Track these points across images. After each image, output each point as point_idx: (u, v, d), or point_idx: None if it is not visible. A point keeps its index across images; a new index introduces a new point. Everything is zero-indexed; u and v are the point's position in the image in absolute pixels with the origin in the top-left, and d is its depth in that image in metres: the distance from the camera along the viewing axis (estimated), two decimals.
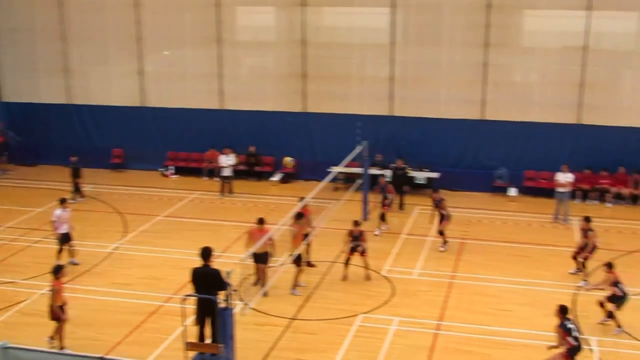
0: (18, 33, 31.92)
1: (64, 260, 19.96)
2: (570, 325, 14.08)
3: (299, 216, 19.05)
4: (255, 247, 17.43)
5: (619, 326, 16.40)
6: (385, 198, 23.74)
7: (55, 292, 15.53)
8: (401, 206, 26.14)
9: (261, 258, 18.36)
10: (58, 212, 20.42)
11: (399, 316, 17.55)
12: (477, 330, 16.92)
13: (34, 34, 31.82)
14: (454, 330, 16.95)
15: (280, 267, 18.73)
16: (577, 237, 23.21)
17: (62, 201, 20.83)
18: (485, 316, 17.67)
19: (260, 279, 18.70)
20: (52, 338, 15.76)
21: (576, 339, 14.03)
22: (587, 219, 20.12)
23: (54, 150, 31.73)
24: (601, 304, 16.76)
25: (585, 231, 19.94)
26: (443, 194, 23.30)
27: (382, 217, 23.82)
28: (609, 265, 16.87)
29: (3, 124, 32.29)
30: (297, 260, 18.64)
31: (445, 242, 22.20)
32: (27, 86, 32.45)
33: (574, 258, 20.12)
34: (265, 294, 18.22)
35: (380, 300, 18.47)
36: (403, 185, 26.65)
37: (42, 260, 20.57)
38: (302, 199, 20.19)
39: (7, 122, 32.51)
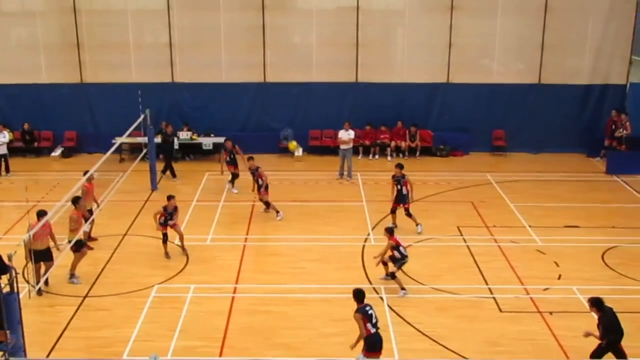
0: None
1: None
2: (370, 312, 13.13)
3: (75, 200, 18.07)
4: (36, 244, 16.39)
5: (403, 288, 16.88)
6: (232, 160, 24.00)
7: None
8: (173, 173, 25.86)
9: (45, 256, 17.04)
10: None
11: (195, 283, 17.47)
12: (273, 289, 17.22)
13: None
14: (250, 292, 17.14)
15: (67, 246, 17.91)
16: (363, 192, 24.25)
17: None
18: (280, 275, 18.03)
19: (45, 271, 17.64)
20: None
21: (375, 325, 13.14)
22: (399, 166, 20.70)
23: None
24: (384, 263, 17.23)
25: (398, 178, 20.42)
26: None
27: (233, 178, 24.16)
28: (390, 231, 17.13)
29: None
30: (77, 246, 17.79)
31: (268, 209, 22.12)
32: None
33: (393, 212, 20.65)
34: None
35: (175, 270, 18.28)
36: (172, 151, 26.49)
37: None
38: (86, 172, 19.43)
39: None
